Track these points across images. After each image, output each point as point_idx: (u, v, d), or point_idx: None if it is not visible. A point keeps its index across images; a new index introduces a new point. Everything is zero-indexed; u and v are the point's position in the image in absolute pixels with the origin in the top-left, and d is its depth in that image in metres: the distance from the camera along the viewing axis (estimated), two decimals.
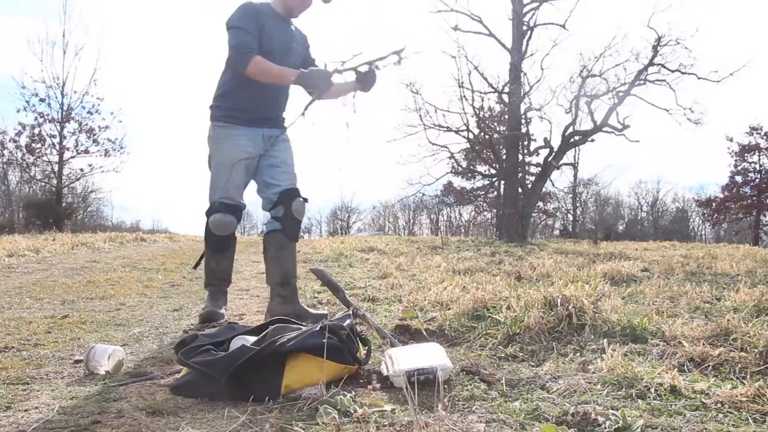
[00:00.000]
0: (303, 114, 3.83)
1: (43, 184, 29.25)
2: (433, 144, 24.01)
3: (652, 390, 2.19)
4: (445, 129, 23.51)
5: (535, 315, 3.16)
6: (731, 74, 19.36)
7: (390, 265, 7.38)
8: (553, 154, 20.91)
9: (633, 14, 56.55)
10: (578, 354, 2.79)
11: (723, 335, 2.91)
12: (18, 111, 26.46)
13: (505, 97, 21.99)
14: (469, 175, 29.85)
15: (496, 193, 30.68)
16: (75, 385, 2.48)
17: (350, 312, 3.05)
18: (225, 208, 3.92)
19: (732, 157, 34.89)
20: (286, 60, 3.86)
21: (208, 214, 3.94)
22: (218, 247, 4.04)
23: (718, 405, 2.05)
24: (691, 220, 50.07)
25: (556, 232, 43.67)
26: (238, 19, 3.79)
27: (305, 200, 4.01)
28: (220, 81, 4.01)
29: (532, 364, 2.73)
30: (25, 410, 2.13)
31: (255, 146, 3.92)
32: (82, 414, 2.07)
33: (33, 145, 26.85)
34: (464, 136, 23.61)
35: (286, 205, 3.90)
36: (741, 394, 2.08)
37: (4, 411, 2.13)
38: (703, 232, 49.26)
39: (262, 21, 3.82)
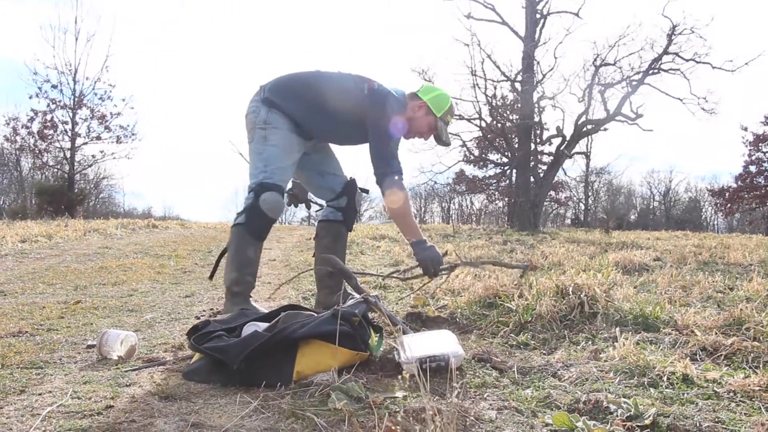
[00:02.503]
0: (404, 278, 3.81)
1: (55, 170, 29.38)
2: None
3: (665, 379, 2.19)
4: (458, 117, 23.44)
5: (546, 303, 3.16)
6: (746, 63, 19.19)
7: (401, 253, 7.38)
8: (566, 142, 20.82)
9: (648, 3, 56.02)
10: (590, 342, 2.79)
11: (736, 325, 2.91)
12: (30, 97, 26.61)
13: (518, 86, 21.88)
14: (481, 163, 29.79)
15: (507, 181, 30.65)
16: (88, 370, 2.49)
17: (362, 299, 3.06)
18: (279, 189, 3.54)
19: (746, 146, 34.58)
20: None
21: (259, 192, 3.49)
22: (263, 233, 3.59)
23: (731, 394, 2.04)
24: (703, 210, 49.78)
25: (568, 221, 43.56)
26: (393, 128, 3.58)
27: (366, 191, 3.94)
28: (303, 89, 3.65)
29: (544, 352, 2.73)
30: (39, 394, 2.15)
31: (303, 148, 3.72)
32: (95, 398, 2.08)
33: (45, 131, 26.96)
34: (476, 125, 23.54)
35: (350, 196, 3.83)
36: (754, 384, 2.08)
37: (19, 395, 2.15)
38: (715, 222, 48.98)
39: None
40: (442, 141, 3.83)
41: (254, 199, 3.48)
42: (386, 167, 3.50)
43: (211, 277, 4.03)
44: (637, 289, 4.13)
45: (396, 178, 3.49)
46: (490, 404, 2.01)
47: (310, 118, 3.62)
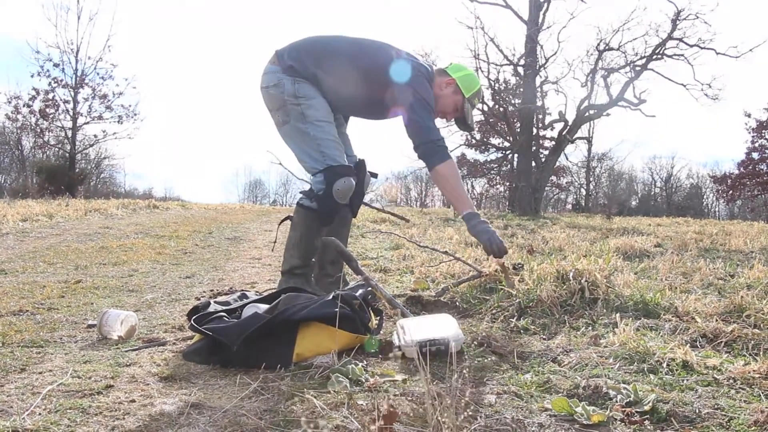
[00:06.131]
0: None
1: (56, 149, 29.34)
2: None
3: (664, 365, 2.19)
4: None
5: (547, 288, 3.15)
6: (750, 50, 19.09)
7: (402, 236, 7.36)
8: (568, 127, 20.76)
9: None
10: (590, 328, 2.79)
11: (736, 312, 2.90)
12: (32, 76, 26.56)
13: (521, 70, 21.80)
14: (483, 147, 29.76)
15: (509, 166, 30.59)
16: (88, 350, 2.50)
17: (362, 282, 3.06)
18: (349, 171, 3.37)
19: (749, 133, 34.51)
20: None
21: (331, 179, 3.28)
22: (331, 219, 3.44)
23: (731, 381, 2.04)
24: (705, 197, 49.79)
25: (569, 207, 43.56)
26: (430, 99, 3.32)
27: (375, 175, 3.70)
28: (327, 54, 3.41)
29: (544, 337, 2.73)
30: (40, 373, 2.15)
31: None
32: (95, 378, 2.09)
33: (47, 110, 26.93)
34: (478, 108, 23.46)
35: (359, 179, 3.49)
36: (754, 371, 2.07)
37: (19, 373, 2.16)
38: (716, 209, 48.97)
39: None
40: (467, 125, 3.62)
41: (327, 186, 3.29)
42: (431, 135, 3.26)
43: (273, 249, 4.16)
44: (637, 275, 4.12)
45: (444, 146, 3.28)
46: (490, 389, 2.01)
47: (333, 87, 3.39)
